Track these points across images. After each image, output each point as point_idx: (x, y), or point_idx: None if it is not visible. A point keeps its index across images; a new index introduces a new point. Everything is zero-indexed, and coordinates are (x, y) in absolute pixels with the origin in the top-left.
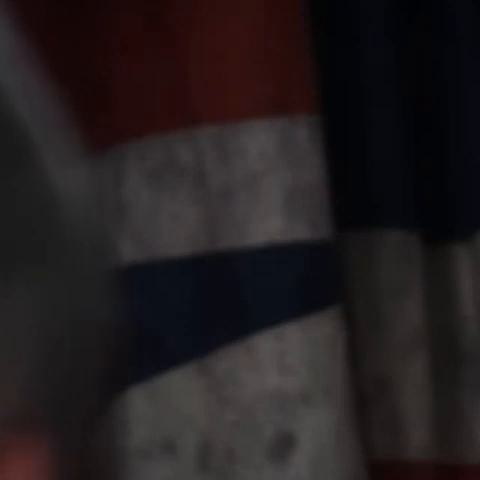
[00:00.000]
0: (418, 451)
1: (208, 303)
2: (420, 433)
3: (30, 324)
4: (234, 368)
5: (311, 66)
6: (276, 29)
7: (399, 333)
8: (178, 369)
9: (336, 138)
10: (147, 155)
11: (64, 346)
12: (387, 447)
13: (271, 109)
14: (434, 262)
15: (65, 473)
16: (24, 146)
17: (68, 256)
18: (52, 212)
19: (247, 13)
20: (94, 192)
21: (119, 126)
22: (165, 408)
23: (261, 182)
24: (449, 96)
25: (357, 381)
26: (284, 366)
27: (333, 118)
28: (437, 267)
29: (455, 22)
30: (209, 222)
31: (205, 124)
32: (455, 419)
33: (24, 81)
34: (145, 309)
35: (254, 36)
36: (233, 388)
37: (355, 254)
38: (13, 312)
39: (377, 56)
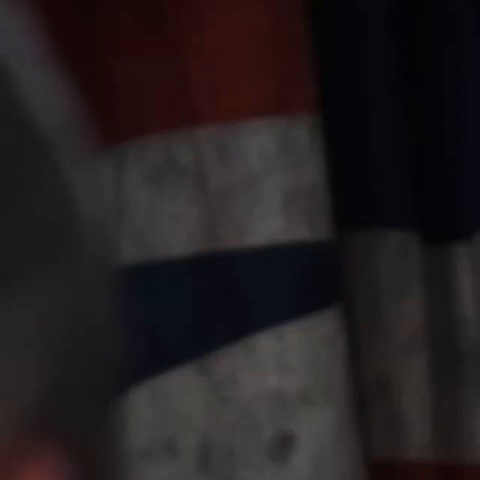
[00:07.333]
0: (418, 451)
1: (208, 303)
2: (420, 433)
3: (40, 326)
4: (234, 368)
5: (311, 66)
6: (276, 29)
7: (399, 333)
8: (178, 369)
9: (336, 138)
10: (147, 155)
11: (73, 348)
12: (387, 447)
13: (271, 109)
14: (434, 262)
15: (78, 476)
16: (42, 144)
17: (76, 257)
18: (66, 212)
19: (247, 13)
20: (97, 192)
21: (119, 126)
22: (165, 408)
23: (261, 182)
24: (449, 96)
25: (357, 381)
26: (284, 366)
27: (333, 118)
28: (437, 267)
29: (455, 22)
30: (209, 222)
31: (205, 124)
32: (455, 419)
33: (41, 80)
34: (145, 309)
35: (254, 36)
36: (233, 388)
37: (355, 254)
38: (21, 315)
39: (377, 56)
